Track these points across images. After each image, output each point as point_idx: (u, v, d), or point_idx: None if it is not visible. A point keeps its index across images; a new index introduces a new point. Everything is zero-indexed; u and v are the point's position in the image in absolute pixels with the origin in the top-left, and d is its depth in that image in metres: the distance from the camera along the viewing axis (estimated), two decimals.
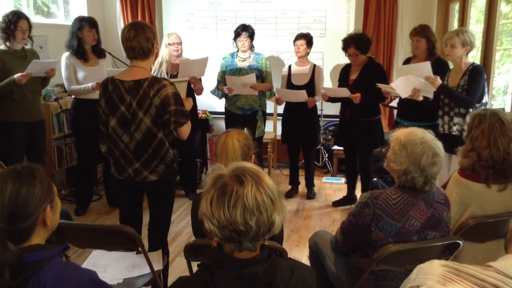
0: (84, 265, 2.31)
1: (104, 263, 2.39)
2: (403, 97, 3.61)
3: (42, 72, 3.79)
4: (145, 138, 2.58)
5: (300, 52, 4.51)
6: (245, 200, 1.22)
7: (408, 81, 3.45)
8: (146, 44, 2.55)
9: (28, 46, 3.87)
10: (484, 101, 3.30)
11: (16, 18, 3.61)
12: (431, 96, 3.42)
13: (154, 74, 4.21)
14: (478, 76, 3.25)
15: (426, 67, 3.41)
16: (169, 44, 4.35)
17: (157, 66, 4.38)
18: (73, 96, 4.24)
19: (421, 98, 3.45)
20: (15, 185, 1.36)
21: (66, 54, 4.08)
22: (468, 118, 2.45)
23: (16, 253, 1.29)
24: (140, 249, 2.25)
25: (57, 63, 3.91)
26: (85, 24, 4.01)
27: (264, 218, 1.25)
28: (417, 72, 3.44)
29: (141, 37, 2.53)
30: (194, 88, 4.40)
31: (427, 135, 2.01)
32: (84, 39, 4.04)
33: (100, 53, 4.20)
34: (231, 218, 1.22)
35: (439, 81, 3.31)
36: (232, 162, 1.36)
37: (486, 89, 3.34)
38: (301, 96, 4.39)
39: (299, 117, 4.58)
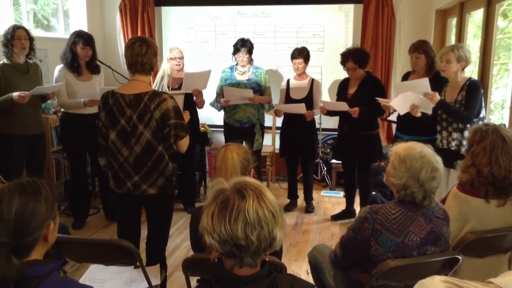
0: (81, 280, 2.29)
1: (102, 277, 2.37)
2: (401, 113, 3.62)
3: (42, 93, 3.80)
4: (145, 152, 2.58)
5: (299, 69, 4.54)
6: (246, 214, 1.22)
7: (406, 98, 3.46)
8: (154, 60, 2.61)
9: (31, 61, 3.87)
10: (481, 115, 3.30)
11: (12, 28, 3.66)
12: (429, 112, 3.42)
13: (156, 88, 4.24)
14: (475, 91, 3.25)
15: (424, 83, 3.42)
16: (171, 58, 4.39)
17: (158, 80, 4.41)
18: (62, 110, 4.24)
19: (419, 114, 3.45)
20: (22, 201, 1.35)
21: (59, 66, 4.08)
22: (467, 133, 2.44)
23: (19, 268, 1.28)
24: (138, 263, 2.24)
25: (58, 86, 3.92)
26: (80, 40, 4.00)
27: (265, 233, 1.24)
28: (416, 88, 3.45)
29: (151, 53, 2.58)
30: (196, 101, 4.43)
31: (427, 150, 2.01)
32: (77, 54, 4.03)
33: (94, 69, 4.18)
34: (232, 233, 1.21)
35: (437, 97, 3.32)
36: (233, 177, 1.36)
37: (483, 104, 3.35)
38: (299, 108, 4.40)
39: (297, 131, 4.58)
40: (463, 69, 3.36)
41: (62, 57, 4.06)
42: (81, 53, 4.03)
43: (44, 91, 3.80)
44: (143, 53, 2.55)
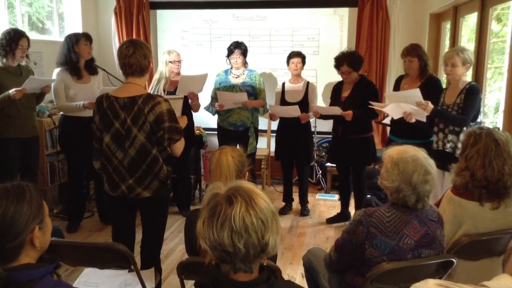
0: (75, 284, 2.28)
1: (96, 281, 2.36)
2: (395, 118, 3.63)
3: (37, 89, 3.78)
4: (139, 155, 2.58)
5: (297, 69, 4.54)
6: (232, 222, 1.21)
7: (399, 106, 3.47)
8: (143, 61, 2.57)
9: (23, 63, 3.86)
10: (479, 120, 3.30)
11: (18, 36, 3.63)
12: (424, 119, 3.42)
13: (151, 91, 4.23)
14: (474, 95, 3.25)
15: (415, 93, 3.41)
16: (169, 62, 4.36)
17: (154, 83, 4.39)
18: (61, 113, 4.20)
19: (413, 120, 3.46)
20: (2, 204, 1.32)
21: (57, 70, 4.04)
22: (462, 136, 2.44)
23: (1, 273, 1.26)
24: (132, 267, 2.23)
25: (53, 81, 3.91)
26: (81, 37, 4.01)
27: (254, 240, 1.23)
28: (407, 99, 3.45)
29: (139, 54, 2.55)
30: (191, 104, 4.41)
31: (419, 153, 2.02)
32: (80, 52, 4.01)
33: (93, 70, 4.17)
34: (219, 240, 1.21)
35: (430, 105, 3.32)
36: (233, 180, 1.34)
37: (481, 109, 3.35)
38: (294, 111, 4.41)
39: (292, 134, 4.58)
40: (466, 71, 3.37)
41: (62, 60, 4.00)
42: (84, 50, 4.02)
43: (39, 83, 3.77)
44: (129, 54, 2.54)
